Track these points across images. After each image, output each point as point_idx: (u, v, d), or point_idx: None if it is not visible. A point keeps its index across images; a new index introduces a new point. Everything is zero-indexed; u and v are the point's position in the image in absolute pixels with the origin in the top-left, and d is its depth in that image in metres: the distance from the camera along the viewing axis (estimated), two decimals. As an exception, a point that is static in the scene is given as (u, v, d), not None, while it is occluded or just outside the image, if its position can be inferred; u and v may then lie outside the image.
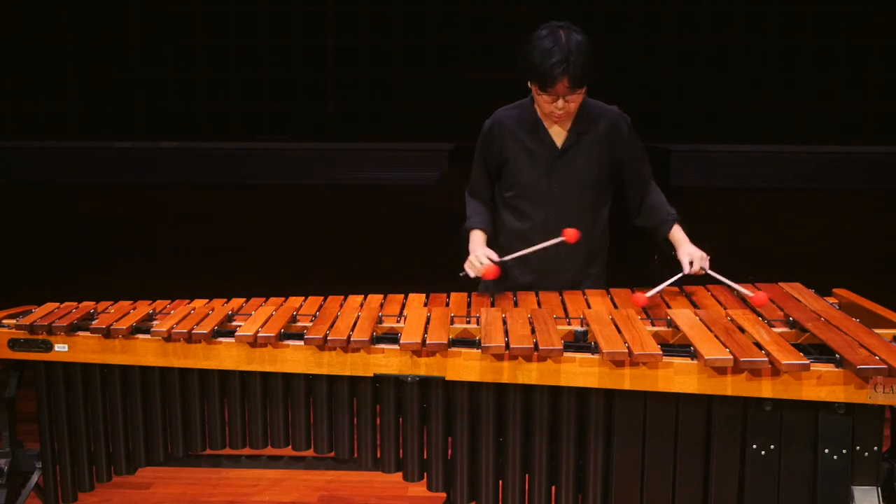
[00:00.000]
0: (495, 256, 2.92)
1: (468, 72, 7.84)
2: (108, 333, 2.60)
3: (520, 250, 2.96)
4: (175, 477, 3.79)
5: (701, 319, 2.56)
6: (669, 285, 2.85)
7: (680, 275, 2.89)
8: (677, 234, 3.00)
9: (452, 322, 2.61)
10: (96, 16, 8.21)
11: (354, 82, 8.25)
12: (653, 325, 2.60)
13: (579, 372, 2.37)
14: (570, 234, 2.86)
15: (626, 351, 2.33)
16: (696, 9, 7.92)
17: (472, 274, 2.91)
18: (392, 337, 2.54)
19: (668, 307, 2.73)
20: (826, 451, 2.32)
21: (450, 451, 2.55)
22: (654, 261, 6.66)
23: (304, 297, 2.87)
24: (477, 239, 3.01)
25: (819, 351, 2.39)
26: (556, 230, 2.95)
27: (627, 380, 2.35)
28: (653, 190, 3.10)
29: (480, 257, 2.91)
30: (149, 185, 8.06)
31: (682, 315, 2.61)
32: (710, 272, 2.88)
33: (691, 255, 2.90)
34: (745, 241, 7.40)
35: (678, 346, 2.48)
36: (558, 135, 2.98)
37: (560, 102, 2.84)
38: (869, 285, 2.98)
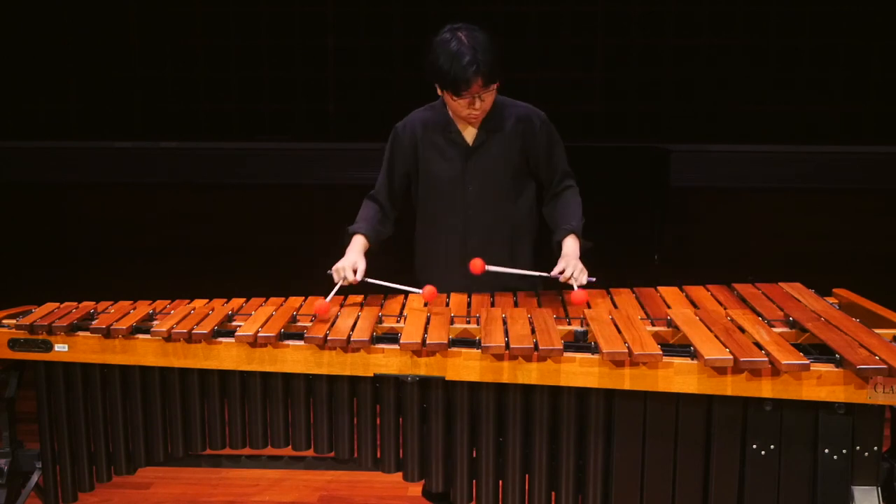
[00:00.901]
0: (361, 273, 2.83)
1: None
2: (108, 333, 2.60)
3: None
4: (175, 477, 3.79)
5: (701, 319, 2.56)
6: (520, 274, 2.87)
7: (541, 274, 2.85)
8: (568, 245, 2.88)
9: (452, 322, 2.61)
10: (96, 16, 8.21)
11: (354, 82, 8.26)
12: (653, 325, 2.60)
13: (579, 372, 2.37)
14: (428, 293, 2.75)
15: (626, 351, 2.33)
16: (696, 9, 7.92)
17: (335, 279, 2.82)
18: (392, 337, 2.54)
19: (668, 307, 2.73)
20: (826, 451, 2.32)
21: (450, 451, 2.55)
22: (655, 260, 6.67)
23: (304, 297, 2.87)
24: (356, 245, 2.92)
25: (819, 351, 2.39)
26: (474, 229, 2.96)
27: (627, 380, 2.35)
28: (570, 194, 3.01)
29: (348, 269, 2.82)
30: (149, 185, 8.06)
31: (682, 315, 2.61)
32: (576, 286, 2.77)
33: (567, 264, 2.80)
34: (745, 241, 7.41)
35: (678, 346, 2.48)
36: (469, 133, 2.96)
37: (477, 103, 2.82)
38: (869, 285, 2.98)
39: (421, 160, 3.00)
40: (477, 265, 2.84)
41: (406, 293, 2.85)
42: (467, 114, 2.86)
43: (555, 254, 2.92)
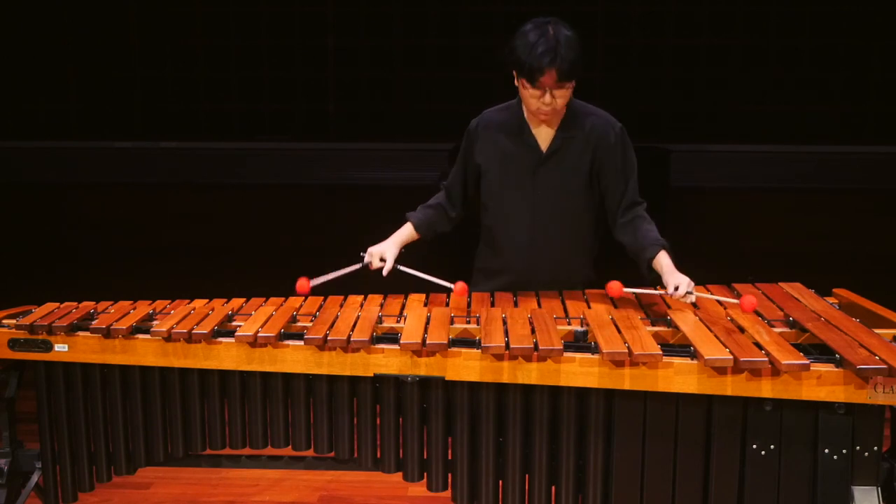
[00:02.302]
0: (389, 264, 2.86)
1: (468, 72, 7.85)
2: (108, 333, 2.60)
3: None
4: (175, 477, 3.79)
5: (701, 319, 2.56)
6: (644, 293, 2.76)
7: (661, 292, 2.72)
8: (664, 260, 2.78)
9: (452, 322, 2.61)
10: (96, 16, 8.22)
11: (354, 82, 8.26)
12: (653, 325, 2.60)
13: (579, 372, 2.37)
14: (460, 289, 2.75)
15: (626, 351, 2.33)
16: (696, 9, 7.93)
17: (366, 260, 2.87)
18: (392, 337, 2.54)
19: (668, 307, 2.73)
20: (826, 451, 2.32)
21: (450, 451, 2.55)
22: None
23: (304, 297, 2.87)
24: (399, 233, 2.95)
25: (819, 351, 2.39)
26: (541, 239, 2.93)
27: (627, 380, 2.35)
28: (641, 215, 2.92)
29: (375, 256, 2.87)
30: (149, 185, 8.07)
31: (682, 315, 2.61)
32: (693, 301, 2.69)
33: (678, 281, 2.67)
34: (745, 241, 7.41)
35: (678, 346, 2.48)
36: (544, 138, 2.92)
37: (547, 97, 2.77)
38: (869, 285, 2.98)
39: (493, 157, 2.95)
40: (615, 287, 2.72)
41: (442, 287, 2.82)
42: (537, 107, 2.80)
43: (644, 273, 2.82)
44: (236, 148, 8.23)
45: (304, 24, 8.20)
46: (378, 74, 8.20)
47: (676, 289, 2.65)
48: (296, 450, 2.64)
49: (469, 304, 2.83)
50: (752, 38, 7.92)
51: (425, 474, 2.57)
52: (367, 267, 2.89)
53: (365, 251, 2.90)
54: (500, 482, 2.52)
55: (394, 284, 2.92)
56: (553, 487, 2.50)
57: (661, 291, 2.71)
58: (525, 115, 2.91)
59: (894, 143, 7.76)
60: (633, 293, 2.78)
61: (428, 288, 2.88)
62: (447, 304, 2.82)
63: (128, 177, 8.14)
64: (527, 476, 2.50)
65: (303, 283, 2.80)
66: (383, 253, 2.89)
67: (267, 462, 2.85)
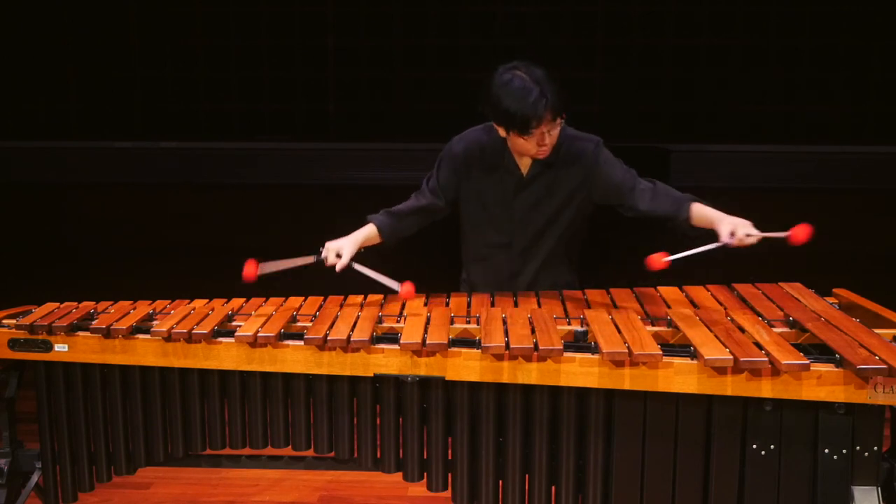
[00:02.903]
0: (344, 260, 2.77)
1: (468, 72, 7.85)
2: (108, 333, 2.60)
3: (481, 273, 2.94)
4: (175, 477, 3.79)
5: (701, 319, 2.56)
6: (699, 252, 2.62)
7: (715, 245, 2.62)
8: (706, 211, 2.73)
9: (452, 322, 2.61)
10: (96, 16, 8.22)
11: (354, 82, 8.26)
12: (653, 325, 2.60)
13: (579, 372, 2.37)
14: (407, 292, 2.71)
15: (626, 351, 2.33)
16: (696, 9, 7.93)
17: (323, 254, 2.79)
18: (392, 337, 2.54)
19: (668, 307, 2.73)
20: (826, 451, 2.32)
21: (450, 451, 2.55)
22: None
23: (304, 297, 2.87)
24: (359, 232, 2.88)
25: (819, 351, 2.39)
26: (521, 261, 2.94)
27: (627, 380, 2.35)
28: (656, 184, 2.90)
29: (331, 252, 2.79)
30: (149, 185, 8.07)
31: (682, 315, 2.61)
32: (754, 240, 2.55)
33: (733, 225, 2.60)
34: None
35: (678, 346, 2.48)
36: (524, 164, 2.90)
37: (546, 138, 2.75)
38: (869, 285, 2.98)
39: (472, 181, 2.94)
40: (657, 260, 2.63)
41: (385, 287, 2.78)
42: (536, 151, 2.78)
43: (683, 231, 2.78)
44: (236, 148, 8.23)
45: (304, 24, 8.20)
46: (378, 74, 8.20)
47: (732, 235, 2.59)
48: (296, 450, 2.64)
49: (469, 304, 2.83)
50: (752, 38, 7.92)
51: (425, 474, 2.57)
52: (321, 262, 2.80)
53: (322, 245, 2.82)
54: (500, 482, 2.52)
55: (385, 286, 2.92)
56: (553, 487, 2.50)
57: (715, 245, 2.58)
58: (510, 146, 2.87)
59: (894, 143, 7.77)
60: (672, 259, 2.62)
61: (428, 288, 2.87)
62: (447, 304, 2.82)
63: (128, 177, 8.14)
64: (527, 476, 2.50)
65: (250, 268, 2.72)
66: (340, 249, 2.81)
67: (267, 462, 2.85)
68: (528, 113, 2.67)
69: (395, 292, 2.76)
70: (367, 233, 2.91)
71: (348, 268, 2.80)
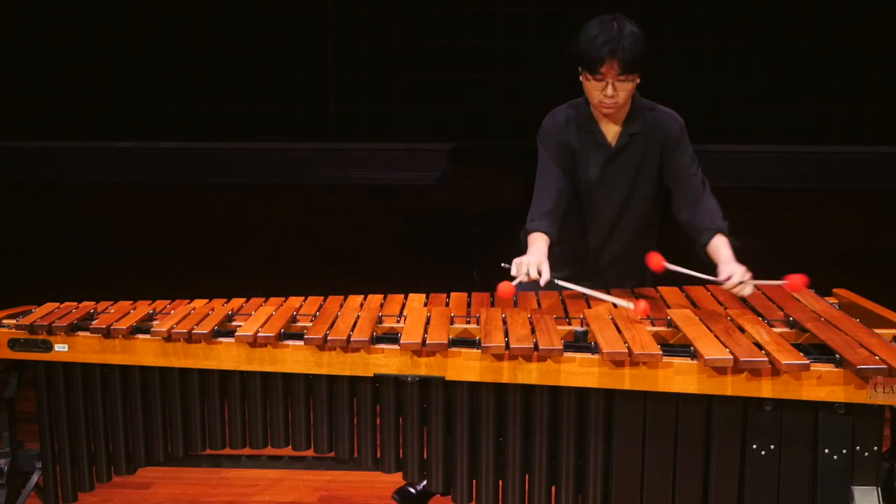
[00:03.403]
0: (546, 276, 2.67)
1: (468, 72, 7.84)
2: (108, 333, 2.60)
3: (574, 273, 2.89)
4: (175, 477, 3.79)
5: (701, 319, 2.56)
6: (693, 276, 2.70)
7: (712, 279, 2.71)
8: (722, 250, 2.80)
9: (452, 322, 2.61)
10: (96, 16, 8.21)
11: (354, 82, 8.25)
12: (653, 325, 2.60)
13: (579, 372, 2.37)
14: (641, 308, 2.59)
15: (626, 351, 2.33)
16: (696, 9, 7.92)
17: (513, 272, 2.67)
18: (392, 337, 2.54)
19: (668, 307, 2.73)
20: (826, 451, 2.32)
21: (450, 451, 2.55)
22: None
23: (304, 297, 2.87)
24: (539, 244, 2.81)
25: (819, 351, 2.39)
26: (606, 229, 2.96)
27: (627, 380, 2.35)
28: (705, 196, 2.95)
29: (532, 266, 2.67)
30: (149, 185, 8.06)
31: (682, 315, 2.61)
32: (746, 291, 2.66)
33: (733, 270, 2.69)
34: (745, 242, 7.40)
35: (678, 346, 2.48)
36: (612, 134, 2.94)
37: (609, 90, 2.78)
38: (869, 285, 2.98)
39: (563, 159, 2.96)
40: (655, 260, 2.76)
41: (614, 304, 2.68)
42: (599, 100, 2.82)
43: (701, 258, 2.82)
44: (236, 148, 8.22)
45: (304, 24, 8.19)
46: (378, 74, 8.19)
47: (729, 279, 2.65)
48: (296, 450, 2.64)
49: (469, 304, 2.83)
50: (752, 38, 7.91)
51: (425, 474, 2.57)
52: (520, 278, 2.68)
53: (509, 263, 2.71)
54: (500, 482, 2.52)
55: (393, 284, 2.92)
56: (553, 487, 2.50)
57: (711, 279, 2.69)
58: (591, 108, 2.91)
59: (894, 143, 7.76)
60: (677, 270, 2.71)
61: (428, 288, 2.86)
62: (447, 304, 2.82)
63: (128, 177, 8.13)
64: (527, 476, 2.50)
65: (506, 288, 2.61)
66: (540, 263, 2.70)
67: (267, 462, 2.85)
68: (593, 52, 2.73)
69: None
70: (545, 242, 2.84)
71: (551, 283, 2.69)
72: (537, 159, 3.00)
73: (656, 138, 2.93)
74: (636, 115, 2.92)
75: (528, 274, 2.66)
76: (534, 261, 2.71)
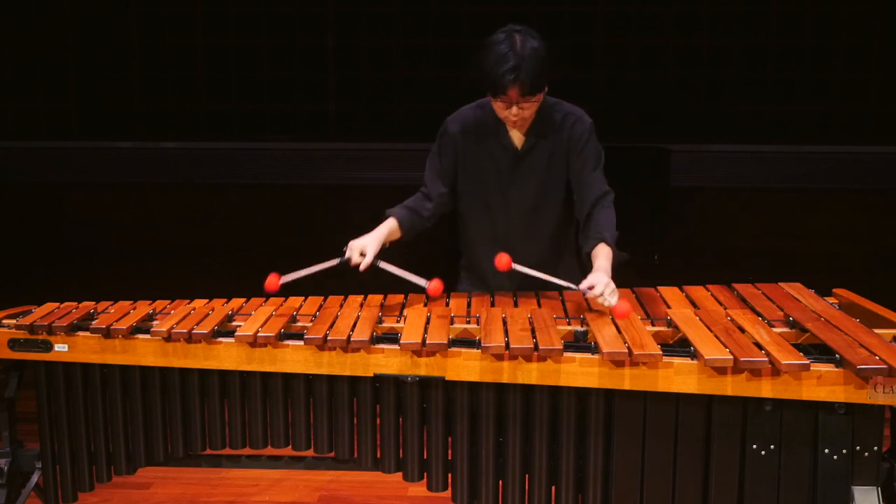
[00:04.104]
0: (368, 259, 2.74)
1: (468, 72, 7.84)
2: (108, 333, 2.60)
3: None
4: (175, 477, 3.79)
5: (701, 319, 2.56)
6: (546, 280, 2.66)
7: (569, 286, 2.64)
8: (600, 259, 2.72)
9: (452, 322, 2.61)
10: (96, 16, 8.22)
11: (354, 82, 8.26)
12: (653, 325, 2.60)
13: (579, 372, 2.37)
14: (434, 287, 2.67)
15: (626, 351, 2.33)
16: (696, 9, 7.93)
17: (347, 255, 2.75)
18: (392, 337, 2.54)
19: (668, 307, 2.73)
20: (826, 451, 2.32)
21: (450, 451, 2.55)
22: (655, 260, 6.67)
23: (304, 297, 2.87)
24: (380, 228, 2.85)
25: (819, 351, 2.39)
26: (517, 234, 2.93)
27: (627, 380, 2.35)
28: (602, 210, 2.86)
29: (355, 251, 2.75)
30: (149, 185, 8.07)
31: (682, 315, 2.61)
32: (612, 303, 2.58)
33: (597, 280, 2.59)
34: (745, 241, 7.41)
35: (678, 346, 2.48)
36: (518, 137, 2.93)
37: (514, 109, 2.78)
38: (869, 285, 2.98)
39: (468, 158, 2.96)
40: (503, 261, 2.72)
41: (419, 287, 2.75)
42: (505, 116, 2.83)
43: (585, 266, 2.80)
44: (236, 148, 8.22)
45: (304, 24, 8.20)
46: (378, 74, 8.20)
47: (591, 288, 2.58)
48: (296, 450, 2.64)
49: (469, 304, 2.83)
50: (752, 38, 7.91)
51: (425, 474, 2.57)
52: (346, 263, 2.77)
53: (346, 245, 2.80)
54: (500, 482, 2.52)
55: (394, 284, 2.92)
56: (553, 487, 2.50)
57: (567, 285, 2.64)
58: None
59: (894, 143, 7.76)
60: (524, 271, 2.71)
61: (406, 287, 2.85)
62: (447, 304, 2.82)
63: (128, 177, 8.14)
64: (527, 476, 2.50)
65: (272, 281, 2.68)
66: (364, 247, 2.79)
67: (267, 462, 2.85)
68: (497, 80, 2.72)
69: (422, 289, 2.74)
70: (389, 228, 2.89)
71: (373, 266, 2.78)
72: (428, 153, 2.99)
73: (563, 138, 2.91)
74: (543, 116, 2.90)
75: (350, 258, 2.74)
76: (360, 245, 2.78)
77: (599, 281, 2.60)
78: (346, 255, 2.78)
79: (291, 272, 2.72)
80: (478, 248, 3.02)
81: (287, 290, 2.92)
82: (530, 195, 2.94)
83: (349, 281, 2.90)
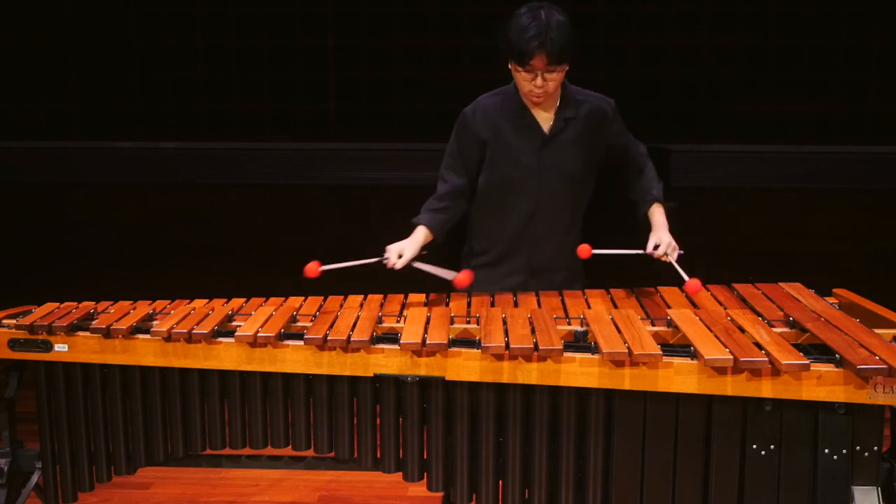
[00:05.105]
0: (404, 261, 2.80)
1: (468, 72, 7.85)
2: (108, 333, 2.60)
3: (495, 246, 3.01)
4: (175, 477, 3.79)
5: (701, 319, 2.56)
6: (622, 254, 2.91)
7: (639, 252, 2.91)
8: (655, 216, 3.00)
9: (452, 322, 2.61)
10: (96, 16, 8.22)
11: (354, 82, 8.26)
12: (653, 325, 2.60)
13: (579, 372, 2.37)
14: (461, 279, 2.78)
15: (626, 351, 2.33)
16: (696, 9, 7.93)
17: (386, 256, 2.82)
18: (392, 337, 2.54)
19: (668, 307, 2.73)
20: (826, 451, 2.32)
21: (450, 451, 2.55)
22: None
23: (304, 297, 2.87)
24: (414, 235, 2.88)
25: (819, 351, 2.39)
26: (542, 222, 2.95)
27: (627, 380, 2.35)
28: (646, 165, 3.09)
29: (393, 253, 2.81)
30: (149, 185, 8.07)
31: (682, 315, 2.61)
32: (674, 263, 2.87)
33: (659, 240, 2.92)
34: (744, 242, 7.41)
35: (678, 346, 2.48)
36: (545, 120, 2.94)
37: (538, 80, 2.80)
38: (869, 285, 2.98)
39: (493, 145, 2.95)
40: (585, 250, 2.94)
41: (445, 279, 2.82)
42: (529, 90, 2.83)
43: (640, 227, 2.99)
44: (236, 148, 8.23)
45: (304, 24, 8.20)
46: (378, 74, 8.20)
47: (656, 248, 2.87)
48: (296, 450, 2.64)
49: (469, 304, 2.83)
50: (752, 38, 7.92)
51: (425, 474, 2.57)
52: (383, 263, 2.84)
53: (384, 249, 2.84)
54: (500, 482, 2.52)
55: (394, 284, 2.92)
56: (553, 488, 2.49)
57: (638, 251, 2.89)
58: (521, 95, 2.92)
59: (894, 143, 7.76)
60: (604, 253, 2.93)
61: (428, 288, 2.87)
62: (447, 304, 2.82)
63: (128, 177, 8.14)
64: (527, 476, 2.50)
65: (312, 268, 2.77)
66: (402, 249, 2.83)
67: (267, 462, 2.85)
68: (522, 45, 2.76)
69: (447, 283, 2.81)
70: (423, 234, 2.90)
71: (408, 265, 2.84)
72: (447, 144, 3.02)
73: (591, 122, 2.96)
74: (568, 102, 2.94)
75: (388, 259, 2.81)
76: (398, 248, 2.83)
77: (661, 240, 2.90)
78: (385, 256, 2.83)
79: (331, 264, 2.81)
80: (499, 233, 3.02)
81: (288, 291, 2.92)
82: (560, 177, 2.95)
83: (349, 281, 2.90)
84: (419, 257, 2.88)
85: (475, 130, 2.95)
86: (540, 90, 2.82)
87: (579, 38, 2.83)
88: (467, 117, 2.97)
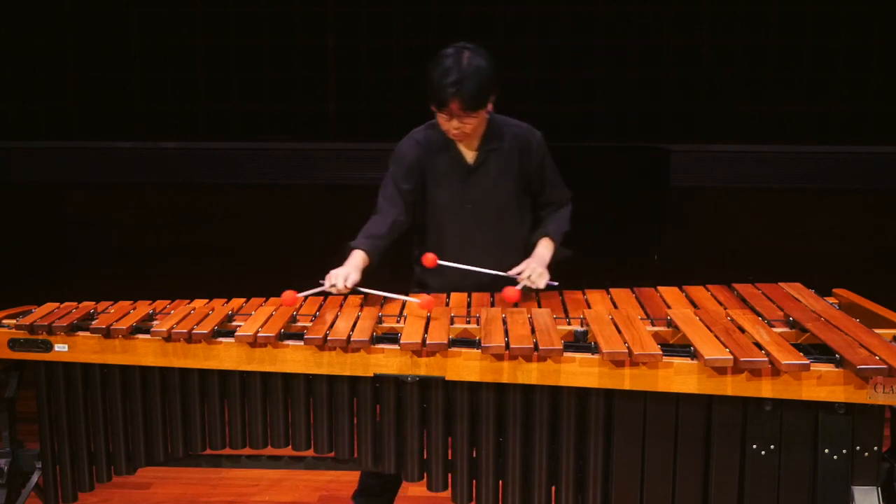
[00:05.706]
0: (351, 284, 2.79)
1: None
2: (108, 333, 2.60)
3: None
4: (175, 477, 3.79)
5: (701, 319, 2.56)
6: (478, 271, 2.89)
7: (498, 273, 2.88)
8: (539, 248, 2.98)
9: (452, 322, 2.61)
10: (96, 16, 8.21)
11: (354, 82, 8.25)
12: (653, 325, 2.60)
13: (579, 372, 2.37)
14: (426, 303, 2.73)
15: (626, 351, 2.33)
16: (696, 9, 7.92)
17: (326, 286, 2.79)
18: (392, 337, 2.54)
19: (668, 307, 2.73)
20: (826, 451, 2.32)
21: (450, 451, 2.55)
22: (655, 260, 6.67)
23: (303, 297, 2.87)
24: (354, 259, 2.87)
25: (819, 351, 2.39)
26: (477, 248, 2.98)
27: (627, 380, 2.35)
28: (563, 208, 3.09)
29: (339, 278, 2.77)
30: (149, 185, 8.06)
31: (682, 315, 2.61)
32: (541, 286, 2.85)
33: (527, 265, 2.88)
34: (744, 241, 7.41)
35: (678, 346, 2.48)
36: (469, 153, 3.00)
37: (455, 122, 2.86)
38: (869, 285, 2.98)
39: (424, 177, 3.01)
40: (429, 259, 2.93)
41: (404, 302, 2.81)
42: (447, 129, 2.91)
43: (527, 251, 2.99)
44: (236, 148, 8.22)
45: (304, 24, 8.19)
46: (378, 74, 8.19)
47: (520, 273, 2.85)
48: (296, 450, 2.64)
49: (469, 304, 2.83)
50: (752, 38, 7.91)
51: (425, 474, 2.57)
52: (329, 291, 2.81)
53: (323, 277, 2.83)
54: (500, 482, 2.52)
55: (393, 284, 2.92)
56: (553, 487, 2.50)
57: (498, 273, 2.87)
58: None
59: (894, 143, 7.76)
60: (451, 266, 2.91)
61: (428, 288, 2.87)
62: (447, 304, 2.82)
63: (128, 177, 8.13)
64: (527, 476, 2.50)
65: (288, 297, 2.74)
66: (348, 275, 2.79)
67: (267, 462, 2.85)
68: (438, 92, 2.82)
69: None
70: (362, 259, 2.89)
71: (354, 291, 2.83)
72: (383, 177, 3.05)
73: (515, 151, 3.00)
74: (493, 133, 2.98)
75: (333, 284, 2.77)
76: (343, 273, 2.80)
77: (528, 265, 2.88)
78: (331, 282, 2.79)
79: (306, 290, 2.81)
80: (444, 254, 3.02)
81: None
82: (485, 205, 3.00)
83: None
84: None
85: (407, 162, 3.01)
86: (457, 131, 2.89)
87: (501, 79, 2.87)
88: (400, 150, 3.04)
